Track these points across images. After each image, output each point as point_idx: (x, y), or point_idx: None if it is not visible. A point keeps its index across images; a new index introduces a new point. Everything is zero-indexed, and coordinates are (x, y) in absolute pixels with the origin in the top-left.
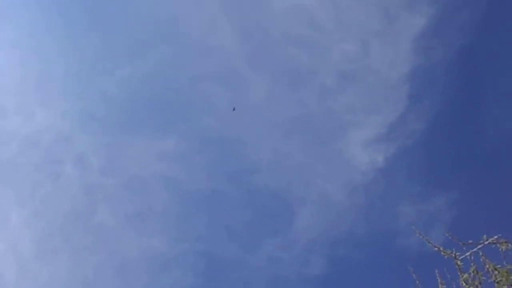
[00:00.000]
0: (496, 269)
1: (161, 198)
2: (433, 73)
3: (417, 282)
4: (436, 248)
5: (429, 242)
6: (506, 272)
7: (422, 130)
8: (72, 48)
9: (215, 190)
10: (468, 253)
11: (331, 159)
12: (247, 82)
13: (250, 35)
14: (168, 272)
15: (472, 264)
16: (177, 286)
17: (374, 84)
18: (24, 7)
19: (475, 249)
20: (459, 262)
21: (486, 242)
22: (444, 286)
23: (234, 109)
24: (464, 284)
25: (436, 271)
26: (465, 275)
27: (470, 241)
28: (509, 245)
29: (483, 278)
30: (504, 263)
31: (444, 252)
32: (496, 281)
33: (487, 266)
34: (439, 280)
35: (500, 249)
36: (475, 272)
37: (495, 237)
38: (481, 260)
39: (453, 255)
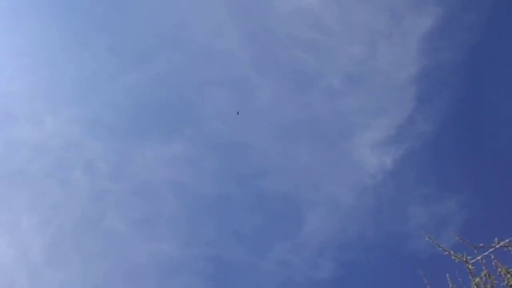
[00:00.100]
0: (508, 273)
1: (170, 203)
2: (440, 74)
3: (428, 286)
4: (447, 252)
5: (439, 246)
6: None
7: (431, 131)
8: (80, 55)
9: (223, 195)
10: (479, 257)
11: (340, 161)
12: (253, 86)
13: (256, 39)
14: (178, 277)
15: (483, 267)
16: None
17: (382, 85)
18: (33, 15)
19: (486, 253)
20: (470, 266)
21: (498, 246)
22: None
23: (238, 113)
24: None
25: (447, 275)
26: (477, 279)
27: (481, 244)
28: None
29: (495, 282)
30: None
31: (455, 256)
32: (509, 284)
33: (499, 269)
34: (450, 285)
35: None
36: (487, 276)
37: (507, 240)
38: (493, 263)
39: (464, 259)
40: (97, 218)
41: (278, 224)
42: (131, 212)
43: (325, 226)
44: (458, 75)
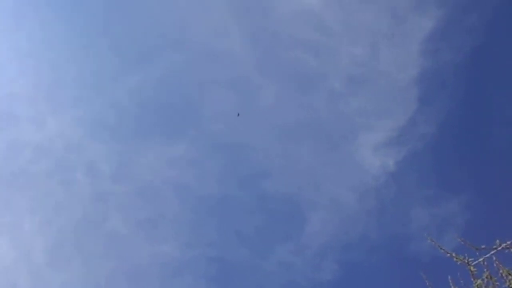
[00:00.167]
0: (510, 274)
1: (172, 204)
2: (442, 75)
3: None
4: (449, 255)
5: (441, 249)
6: None
7: (433, 133)
8: (82, 56)
9: (226, 196)
10: (481, 259)
11: (342, 163)
12: (256, 87)
13: (258, 39)
14: (180, 278)
15: (485, 269)
16: None
17: (384, 87)
18: (36, 16)
19: (488, 255)
20: (472, 268)
21: (500, 248)
22: None
23: (238, 114)
24: None
25: (449, 277)
26: (479, 281)
27: (483, 246)
28: None
29: (497, 284)
30: None
31: (457, 258)
32: (511, 286)
33: (501, 271)
34: (452, 287)
35: None
36: (488, 277)
37: (509, 242)
38: (495, 265)
39: (466, 261)
40: (99, 219)
41: (280, 225)
42: (133, 213)
43: (328, 227)
44: (460, 77)
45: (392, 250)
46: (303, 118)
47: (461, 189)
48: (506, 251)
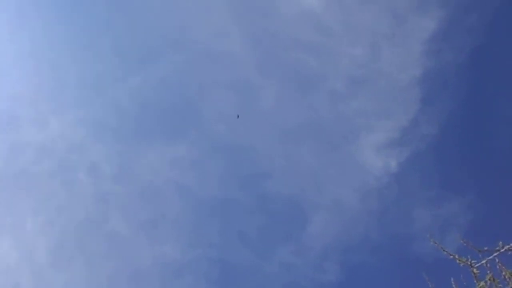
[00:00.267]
0: None
1: (174, 205)
2: (444, 75)
3: None
4: (452, 256)
5: (444, 250)
6: None
7: (435, 133)
8: (84, 58)
9: (227, 197)
10: (484, 261)
11: (344, 164)
12: (257, 88)
13: (260, 41)
14: (182, 279)
15: (488, 271)
16: None
17: (385, 87)
18: (38, 17)
19: (491, 257)
20: (475, 270)
21: (503, 250)
22: None
23: (238, 116)
24: None
25: (452, 279)
26: (482, 283)
27: (486, 248)
28: None
29: (500, 286)
30: None
31: (459, 260)
32: None
33: (503, 273)
34: None
35: None
36: (491, 279)
37: None
38: (498, 267)
39: (469, 263)
40: (101, 220)
41: (282, 226)
42: (135, 214)
43: (329, 228)
44: (462, 77)
45: (394, 251)
46: (304, 119)
47: (463, 190)
48: (509, 253)
